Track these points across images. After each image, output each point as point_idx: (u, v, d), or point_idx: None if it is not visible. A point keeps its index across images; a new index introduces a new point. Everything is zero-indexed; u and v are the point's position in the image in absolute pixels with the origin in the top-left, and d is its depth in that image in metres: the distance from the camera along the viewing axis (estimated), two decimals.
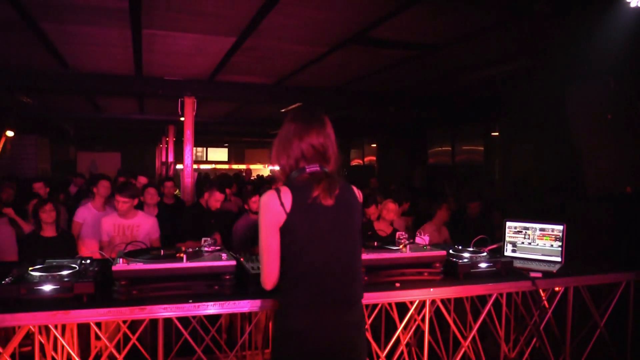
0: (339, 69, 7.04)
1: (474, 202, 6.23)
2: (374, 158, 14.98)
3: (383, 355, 3.03)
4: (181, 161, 8.62)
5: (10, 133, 12.85)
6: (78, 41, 5.84)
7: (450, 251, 3.25)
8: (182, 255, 2.52)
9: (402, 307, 3.36)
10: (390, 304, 3.33)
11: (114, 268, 2.37)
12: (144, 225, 4.60)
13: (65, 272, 2.41)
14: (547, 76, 6.78)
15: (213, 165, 20.43)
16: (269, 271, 2.04)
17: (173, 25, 5.18)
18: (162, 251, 2.65)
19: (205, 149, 22.88)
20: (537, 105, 7.49)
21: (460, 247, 3.36)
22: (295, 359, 1.99)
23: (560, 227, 3.50)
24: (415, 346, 3.78)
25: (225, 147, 23.12)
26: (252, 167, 18.95)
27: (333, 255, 2.01)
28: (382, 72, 7.12)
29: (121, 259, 2.44)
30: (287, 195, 1.98)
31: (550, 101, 6.90)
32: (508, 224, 3.66)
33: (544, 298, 3.46)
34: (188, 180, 8.17)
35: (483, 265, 3.11)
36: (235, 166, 19.44)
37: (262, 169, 19.66)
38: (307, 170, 2.05)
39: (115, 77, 7.72)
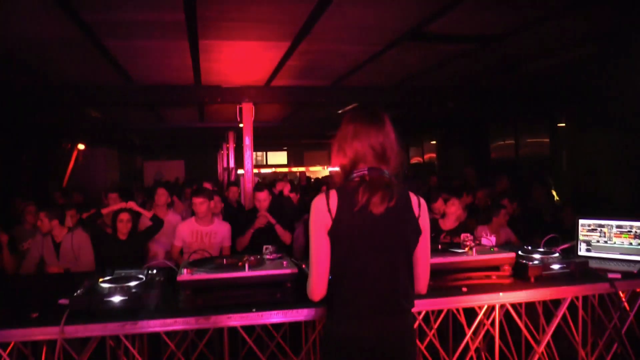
0: (395, 67, 6.91)
1: (538, 189, 5.96)
2: (434, 155, 14.68)
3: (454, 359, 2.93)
4: (242, 166, 8.74)
5: (81, 146, 13.57)
6: (139, 55, 6.04)
7: (520, 252, 3.10)
8: (244, 263, 2.54)
9: (470, 310, 3.24)
10: (457, 309, 3.21)
11: (178, 278, 2.42)
12: (220, 232, 4.70)
13: (132, 284, 2.48)
14: (617, 61, 6.38)
15: (273, 169, 20.69)
16: (317, 278, 1.97)
17: (228, 34, 5.25)
18: (224, 260, 2.68)
19: (265, 153, 23.22)
20: (608, 93, 7.06)
21: (529, 248, 3.20)
22: None
23: None
24: (485, 351, 3.64)
25: (284, 150, 23.38)
26: (311, 169, 19.04)
27: (376, 265, 1.96)
28: (439, 67, 6.93)
29: (185, 269, 2.48)
30: (334, 200, 1.94)
31: (622, 87, 6.49)
32: (581, 221, 3.45)
33: (623, 299, 3.24)
34: (249, 185, 8.27)
35: (556, 266, 2.95)
36: (294, 169, 19.59)
37: (322, 171, 19.69)
38: (356, 174, 1.99)
39: (176, 88, 7.94)
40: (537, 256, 3.02)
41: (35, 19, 4.61)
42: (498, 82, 8.22)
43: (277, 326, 3.30)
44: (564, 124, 8.94)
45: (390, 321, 1.97)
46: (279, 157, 23.29)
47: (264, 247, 2.81)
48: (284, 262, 2.63)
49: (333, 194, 1.96)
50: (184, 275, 2.42)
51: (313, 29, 4.99)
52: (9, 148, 10.38)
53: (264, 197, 4.91)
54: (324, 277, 1.97)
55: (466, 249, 2.88)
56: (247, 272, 2.47)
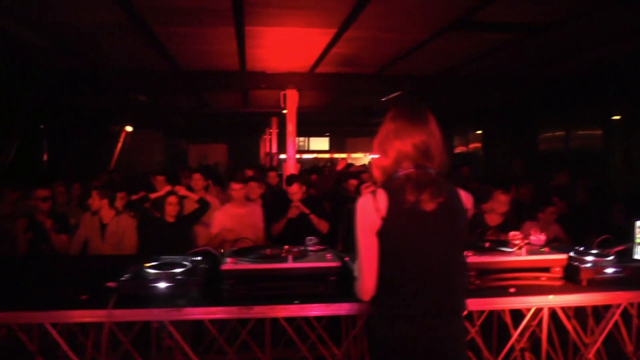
0: (441, 55, 6.76)
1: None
2: (479, 145, 14.34)
3: None
4: (285, 152, 8.81)
5: (129, 128, 13.91)
6: (186, 42, 6.11)
7: (572, 254, 2.97)
8: (287, 255, 2.53)
9: (516, 310, 3.16)
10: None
11: (222, 267, 2.43)
12: (255, 213, 4.85)
13: (177, 270, 2.51)
14: None
15: (315, 155, 20.71)
16: (366, 279, 1.93)
17: (274, 20, 5.24)
18: (268, 250, 2.68)
19: (307, 138, 23.25)
20: None
21: (582, 249, 3.06)
22: None
23: None
24: (528, 350, 3.54)
25: (326, 136, 23.36)
26: (353, 155, 18.96)
27: (431, 264, 1.90)
28: (488, 56, 6.73)
29: (229, 259, 2.49)
30: (382, 199, 1.88)
31: None
32: (638, 223, 3.28)
33: None
34: (291, 171, 8.31)
35: (610, 270, 2.82)
36: (336, 155, 19.53)
37: (363, 158, 19.57)
38: (401, 172, 1.92)
39: (221, 73, 8.02)
40: (590, 258, 2.88)
41: (88, 6, 4.71)
42: (549, 71, 7.93)
43: (318, 317, 3.29)
44: (619, 117, 8.53)
45: (445, 323, 1.91)
46: (321, 143, 23.28)
47: (307, 238, 2.79)
48: (328, 255, 2.61)
49: (381, 193, 1.90)
50: (228, 264, 2.44)
51: (360, 16, 4.91)
52: (61, 132, 10.74)
53: (294, 190, 4.99)
54: (374, 276, 1.92)
55: (515, 248, 2.78)
56: (290, 264, 2.46)
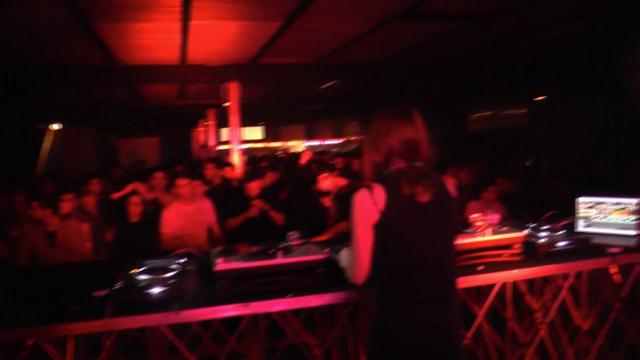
0: (383, 44, 6.99)
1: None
2: None
3: (469, 336, 3.10)
4: (221, 144, 8.78)
5: (55, 126, 13.23)
6: (127, 37, 5.96)
7: (528, 230, 3.26)
8: (275, 251, 2.63)
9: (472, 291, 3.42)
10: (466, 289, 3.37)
11: (215, 268, 2.48)
12: (204, 209, 4.77)
13: (169, 274, 2.54)
14: (603, 37, 6.59)
15: (249, 145, 20.51)
16: (361, 267, 2.06)
17: (221, 14, 5.23)
18: (253, 248, 2.76)
19: (241, 128, 22.92)
20: (590, 67, 7.25)
21: (535, 225, 3.37)
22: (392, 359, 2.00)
23: (636, 201, 3.49)
24: (485, 322, 3.82)
25: (260, 125, 23.19)
26: (288, 143, 19.01)
27: (429, 253, 2.01)
28: (425, 45, 7.04)
29: (219, 259, 2.55)
30: (380, 193, 1.99)
31: (607, 61, 6.70)
32: (581, 199, 3.65)
33: (615, 272, 3.40)
34: (237, 163, 8.33)
35: (562, 243, 3.13)
36: (272, 144, 19.52)
37: (298, 146, 19.67)
38: (393, 167, 2.05)
39: (160, 68, 7.87)
40: (544, 234, 3.19)
41: (28, 3, 4.52)
42: (482, 57, 8.36)
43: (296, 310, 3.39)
44: (543, 97, 9.16)
45: (444, 309, 2.03)
46: (255, 132, 23.12)
47: (289, 233, 2.90)
48: (312, 248, 2.72)
49: (378, 187, 2.01)
50: (220, 264, 2.49)
51: (310, 8, 4.99)
52: None
53: (254, 187, 4.92)
54: (367, 263, 2.05)
55: (480, 229, 3.02)
56: (281, 260, 2.55)
